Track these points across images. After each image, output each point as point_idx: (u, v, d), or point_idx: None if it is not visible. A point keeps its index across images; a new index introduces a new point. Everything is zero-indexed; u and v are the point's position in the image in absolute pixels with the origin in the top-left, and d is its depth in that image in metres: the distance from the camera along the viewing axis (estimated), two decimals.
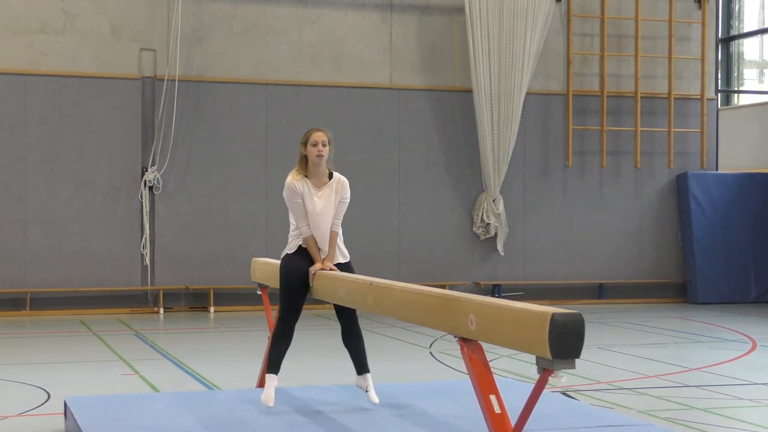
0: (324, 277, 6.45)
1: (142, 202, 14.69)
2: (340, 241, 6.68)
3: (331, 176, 6.65)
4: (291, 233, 6.69)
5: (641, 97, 16.54)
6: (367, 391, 6.64)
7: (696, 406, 7.62)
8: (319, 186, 6.60)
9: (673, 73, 16.61)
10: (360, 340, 6.69)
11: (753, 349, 11.07)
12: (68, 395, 7.23)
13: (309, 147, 6.56)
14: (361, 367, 6.68)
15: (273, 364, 6.60)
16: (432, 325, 4.95)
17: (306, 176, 6.60)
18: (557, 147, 16.38)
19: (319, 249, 6.59)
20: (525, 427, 4.30)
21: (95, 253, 14.54)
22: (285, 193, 6.61)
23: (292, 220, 6.67)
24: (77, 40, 14.56)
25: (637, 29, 16.41)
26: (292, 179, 6.59)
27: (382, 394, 6.89)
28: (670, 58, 16.55)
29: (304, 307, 6.72)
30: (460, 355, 4.64)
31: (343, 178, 6.69)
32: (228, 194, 15.04)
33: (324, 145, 6.56)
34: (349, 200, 6.69)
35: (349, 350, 6.72)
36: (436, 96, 15.88)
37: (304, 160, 6.61)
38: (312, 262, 6.57)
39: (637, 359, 10.22)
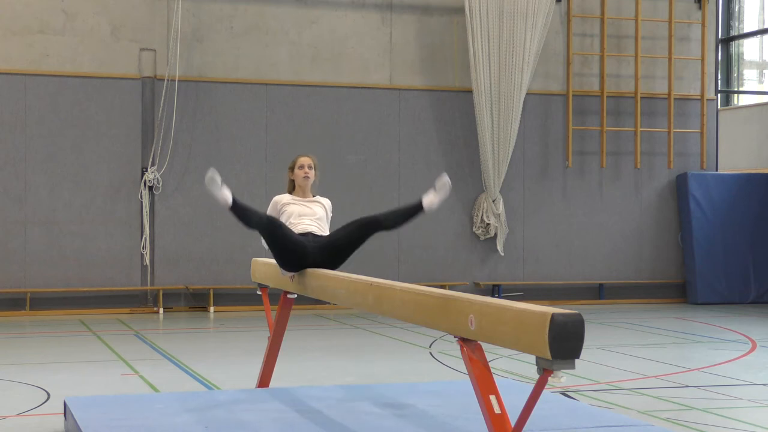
0: (324, 276, 6.45)
1: (142, 202, 14.69)
2: (322, 223, 6.74)
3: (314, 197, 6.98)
4: None
5: (641, 97, 16.55)
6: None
7: (696, 407, 7.62)
8: (304, 197, 6.89)
9: (673, 73, 16.62)
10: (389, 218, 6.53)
11: (752, 349, 11.08)
12: (68, 395, 7.23)
13: (296, 170, 6.89)
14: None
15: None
16: (432, 325, 4.94)
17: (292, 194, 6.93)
18: (557, 147, 16.38)
19: None
20: (525, 427, 4.30)
21: (95, 253, 14.54)
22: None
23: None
24: (77, 40, 14.57)
25: (637, 29, 16.41)
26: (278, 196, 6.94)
27: (382, 395, 6.90)
28: (670, 59, 16.56)
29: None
30: (460, 355, 4.64)
31: (326, 199, 6.99)
32: None
33: (310, 168, 6.88)
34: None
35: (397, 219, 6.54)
36: (436, 96, 15.88)
37: (291, 185, 6.95)
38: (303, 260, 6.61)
39: (636, 359, 10.22)
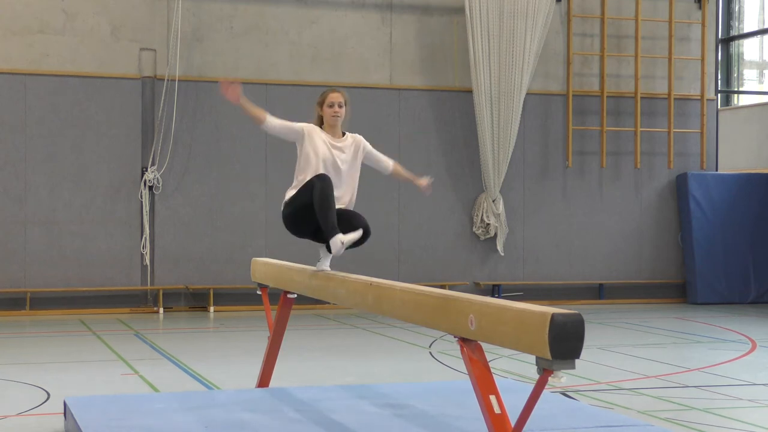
0: (324, 277, 6.45)
1: (142, 202, 14.69)
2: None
3: (344, 135, 6.69)
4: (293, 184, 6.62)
5: (641, 97, 16.54)
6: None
7: (696, 407, 7.62)
8: (335, 137, 6.63)
9: (673, 73, 16.62)
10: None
11: (752, 349, 11.08)
12: (68, 395, 7.23)
13: (325, 108, 6.58)
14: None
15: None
16: (432, 325, 4.94)
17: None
18: (557, 147, 16.38)
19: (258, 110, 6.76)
20: (525, 427, 4.30)
21: (95, 253, 14.54)
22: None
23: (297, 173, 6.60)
24: (77, 40, 14.57)
25: (637, 29, 16.41)
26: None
27: (382, 394, 6.88)
28: (670, 59, 16.56)
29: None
30: (460, 355, 4.64)
31: (358, 135, 6.78)
32: (228, 194, 15.04)
33: (340, 107, 6.59)
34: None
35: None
36: (436, 96, 15.88)
37: (320, 120, 6.64)
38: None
39: (636, 360, 10.22)
